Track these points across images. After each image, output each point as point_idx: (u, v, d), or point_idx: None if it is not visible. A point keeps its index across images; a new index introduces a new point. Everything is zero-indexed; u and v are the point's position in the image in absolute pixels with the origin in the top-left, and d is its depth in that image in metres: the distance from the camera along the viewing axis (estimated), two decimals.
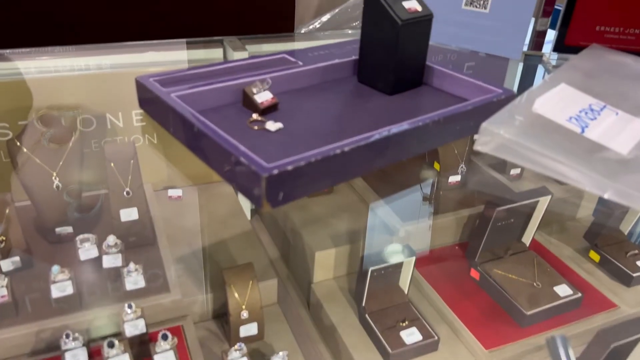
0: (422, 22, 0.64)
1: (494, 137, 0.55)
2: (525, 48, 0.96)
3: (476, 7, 0.86)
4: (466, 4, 0.86)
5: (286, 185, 0.46)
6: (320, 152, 0.47)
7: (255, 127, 0.57)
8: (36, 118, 0.76)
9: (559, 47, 0.84)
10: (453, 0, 0.86)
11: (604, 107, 0.63)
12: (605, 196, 0.50)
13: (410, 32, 0.63)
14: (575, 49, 0.80)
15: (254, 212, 1.04)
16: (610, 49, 0.81)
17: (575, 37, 0.82)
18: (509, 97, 0.63)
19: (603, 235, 0.91)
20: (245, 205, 0.96)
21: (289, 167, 0.45)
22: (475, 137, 0.56)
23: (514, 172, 0.99)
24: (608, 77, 0.73)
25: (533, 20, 0.97)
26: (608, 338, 0.65)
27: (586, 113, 0.61)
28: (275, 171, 0.44)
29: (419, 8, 0.65)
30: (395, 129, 0.54)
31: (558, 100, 0.63)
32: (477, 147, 0.56)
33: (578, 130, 0.57)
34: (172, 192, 0.96)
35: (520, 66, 0.90)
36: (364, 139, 0.50)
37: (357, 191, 0.96)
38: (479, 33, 0.87)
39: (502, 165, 0.98)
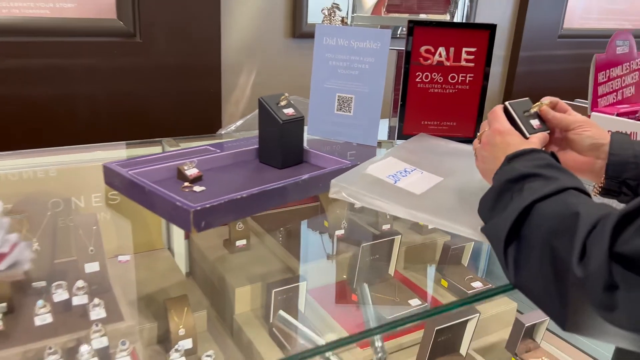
0: (297, 121, 0.99)
1: (340, 188, 0.88)
2: (385, 137, 1.34)
3: (344, 111, 1.23)
4: (337, 110, 1.23)
5: (206, 217, 0.76)
6: (228, 197, 0.78)
7: (186, 190, 0.87)
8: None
9: (399, 136, 1.22)
10: (328, 107, 1.24)
11: (414, 169, 0.98)
12: (403, 216, 0.83)
13: (289, 128, 0.98)
14: (410, 136, 1.18)
15: (187, 274, 1.30)
16: (431, 135, 1.19)
17: (408, 128, 1.20)
18: (353, 166, 0.97)
19: (449, 265, 1.24)
20: (180, 264, 1.22)
21: (207, 206, 0.75)
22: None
23: (385, 227, 1.32)
24: (425, 153, 1.09)
25: (388, 119, 1.36)
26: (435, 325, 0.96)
27: (401, 173, 0.95)
28: (199, 208, 0.74)
29: (295, 112, 1.00)
30: (279, 184, 0.85)
31: (384, 166, 0.97)
32: (330, 195, 0.88)
33: (392, 182, 0.91)
34: (121, 258, 1.20)
35: (379, 150, 1.26)
36: (257, 190, 0.82)
37: (268, 247, 1.25)
38: (348, 129, 1.23)
39: (374, 223, 1.31)
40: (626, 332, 0.45)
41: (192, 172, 0.91)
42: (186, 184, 0.89)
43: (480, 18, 2.27)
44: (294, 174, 0.95)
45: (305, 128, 1.06)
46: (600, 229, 0.47)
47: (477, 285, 1.19)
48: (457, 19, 2.04)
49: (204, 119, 1.67)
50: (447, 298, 1.19)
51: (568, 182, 0.61)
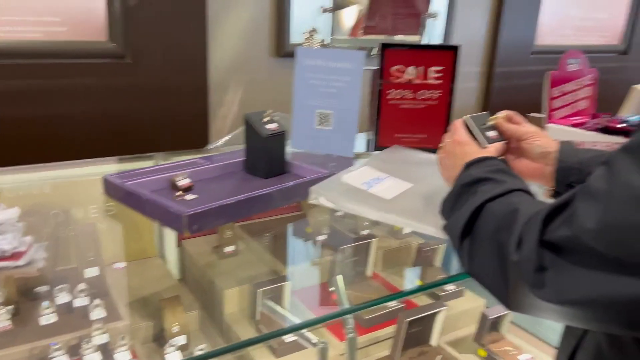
0: (280, 135, 1.09)
1: (319, 194, 0.97)
2: (363, 149, 1.43)
3: (324, 126, 1.33)
4: (317, 125, 1.33)
5: (198, 221, 0.84)
6: (217, 203, 0.87)
7: (179, 199, 0.96)
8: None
9: (375, 148, 1.32)
10: (309, 123, 1.33)
11: (387, 177, 1.08)
12: (375, 218, 0.92)
13: (272, 141, 1.07)
14: (385, 148, 1.29)
15: (179, 279, 1.38)
16: (404, 147, 1.30)
17: (383, 141, 1.31)
18: (331, 174, 1.07)
19: (423, 266, 1.34)
20: (173, 270, 1.30)
21: (199, 211, 0.84)
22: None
23: (363, 232, 1.42)
24: (397, 163, 1.19)
25: (365, 132, 1.46)
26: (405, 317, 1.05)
27: (375, 180, 1.05)
28: (191, 213, 0.83)
29: (278, 127, 1.09)
30: (265, 191, 0.95)
31: (360, 174, 1.07)
32: (310, 200, 0.98)
33: (366, 188, 1.01)
34: (117, 265, 1.28)
35: (357, 161, 1.36)
36: (244, 196, 0.91)
37: (255, 253, 1.34)
38: (327, 142, 1.33)
39: (354, 229, 1.41)
40: (554, 306, 0.54)
41: (184, 182, 1.00)
42: (179, 193, 0.98)
43: (457, 36, 2.40)
44: (277, 182, 1.04)
45: (289, 142, 1.16)
46: (534, 221, 0.57)
47: (449, 284, 1.29)
48: (435, 37, 2.17)
49: (192, 135, 1.76)
50: (422, 299, 1.28)
51: (514, 185, 0.71)
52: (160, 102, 1.68)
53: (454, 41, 2.39)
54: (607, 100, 1.89)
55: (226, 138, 1.47)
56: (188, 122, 1.74)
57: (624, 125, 1.09)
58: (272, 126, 1.08)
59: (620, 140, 1.08)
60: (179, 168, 1.07)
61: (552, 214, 0.54)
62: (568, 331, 0.72)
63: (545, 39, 2.70)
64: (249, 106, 1.90)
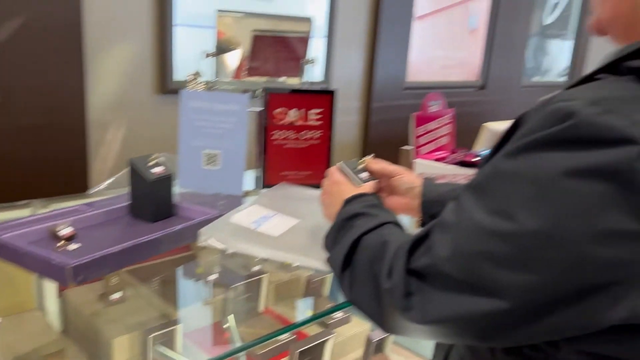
0: (166, 178, 1.10)
1: (208, 236, 0.99)
2: (251, 187, 1.48)
3: (211, 166, 1.36)
4: (205, 165, 1.36)
5: (83, 272, 0.83)
6: (102, 252, 0.86)
7: (61, 249, 0.93)
8: None
9: (263, 186, 1.37)
10: (196, 163, 1.35)
11: (275, 214, 1.13)
12: (264, 256, 0.96)
13: (158, 185, 1.08)
14: (272, 185, 1.34)
15: (62, 332, 1.30)
16: (290, 184, 1.36)
17: (270, 179, 1.36)
18: (221, 215, 1.09)
19: (312, 297, 1.40)
20: (54, 323, 1.23)
21: (83, 261, 0.82)
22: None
23: (255, 268, 1.45)
24: (284, 200, 1.25)
25: (253, 170, 1.51)
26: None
27: (263, 218, 1.10)
28: (75, 264, 0.81)
29: (164, 170, 1.10)
30: (151, 237, 0.95)
31: (248, 213, 1.11)
32: (200, 243, 1.00)
33: (255, 227, 1.05)
34: None
35: (246, 199, 1.40)
36: (130, 243, 0.90)
37: (144, 298, 1.31)
38: (216, 181, 1.36)
39: (245, 266, 1.44)
40: (421, 326, 0.61)
41: (65, 231, 0.96)
42: (61, 243, 0.94)
43: (336, 75, 2.56)
44: (165, 226, 1.05)
45: (177, 182, 1.17)
46: (401, 252, 0.65)
47: (336, 312, 1.36)
48: (316, 77, 2.29)
49: (71, 178, 1.69)
50: (313, 329, 1.33)
51: (386, 218, 0.79)
52: (34, 143, 1.60)
53: (334, 79, 2.55)
54: (471, 131, 2.13)
55: (109, 181, 1.44)
56: (66, 164, 1.67)
57: (478, 158, 1.25)
58: (157, 170, 1.09)
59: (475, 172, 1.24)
60: (59, 216, 1.04)
61: (415, 245, 0.62)
62: (437, 346, 0.81)
63: (415, 76, 2.97)
64: (132, 144, 1.87)
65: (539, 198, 0.49)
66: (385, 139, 2.82)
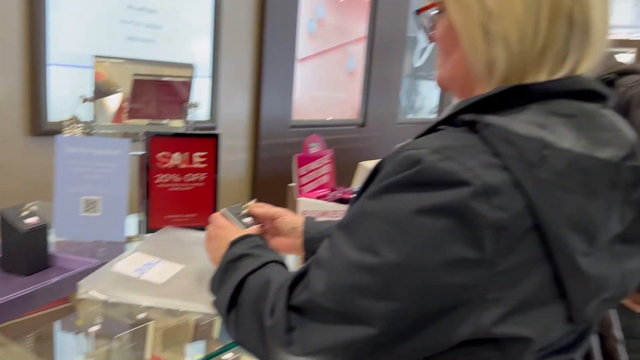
0: (40, 229, 1.05)
1: (88, 287, 0.96)
2: (134, 232, 1.44)
3: (91, 213, 1.31)
4: (83, 212, 1.31)
5: None
6: None
7: None
8: None
9: (147, 230, 1.35)
10: (74, 210, 1.30)
11: (159, 261, 1.12)
12: (148, 304, 0.95)
13: (31, 237, 1.03)
14: (156, 229, 1.33)
15: None
16: (176, 227, 1.36)
17: (154, 222, 1.35)
18: (101, 264, 1.07)
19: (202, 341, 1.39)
20: None
21: None
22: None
23: (140, 316, 1.41)
24: (169, 244, 1.25)
25: (137, 214, 1.48)
26: None
27: (146, 266, 1.09)
28: None
29: (39, 220, 1.05)
30: (24, 292, 0.90)
31: (131, 261, 1.09)
32: (80, 296, 0.96)
33: (138, 275, 1.04)
34: None
35: (129, 245, 1.36)
36: (3, 300, 0.85)
37: (17, 357, 1.21)
38: (96, 228, 1.31)
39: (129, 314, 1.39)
40: (304, 358, 0.65)
41: None
42: None
43: (222, 114, 2.59)
44: (40, 279, 1.00)
45: (53, 231, 1.11)
46: (282, 289, 0.68)
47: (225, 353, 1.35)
48: (202, 116, 2.30)
49: None
50: None
51: (269, 258, 0.83)
52: None
53: (220, 118, 2.58)
54: (353, 166, 2.25)
55: None
56: None
57: (354, 196, 1.35)
58: (31, 220, 1.04)
59: None
60: None
61: (295, 282, 0.66)
62: None
63: (301, 114, 3.09)
64: (1, 190, 1.74)
65: (397, 234, 0.57)
66: (274, 175, 2.89)
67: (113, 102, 1.50)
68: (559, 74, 0.61)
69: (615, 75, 1.08)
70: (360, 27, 3.32)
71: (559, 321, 0.59)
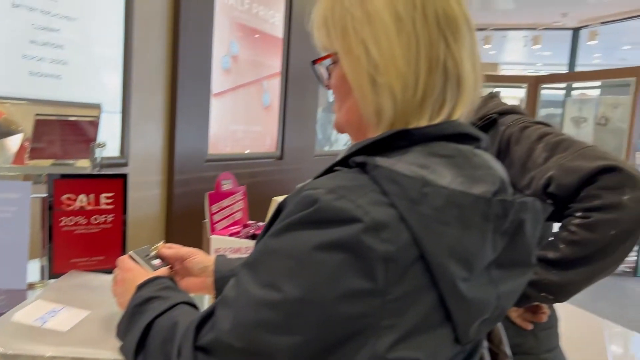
0: None
1: None
2: (37, 278, 1.37)
3: None
4: None
5: None
6: None
7: None
8: None
9: (50, 276, 1.29)
10: None
11: (63, 308, 1.08)
12: (52, 354, 0.91)
13: None
14: (61, 274, 1.27)
15: None
16: (82, 271, 1.31)
17: (59, 267, 1.29)
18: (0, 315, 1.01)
19: None
20: None
21: None
22: None
23: None
24: (75, 290, 1.20)
25: (39, 259, 1.41)
26: None
27: (49, 314, 1.04)
28: None
29: None
30: None
31: (32, 310, 1.04)
32: None
33: (40, 324, 0.99)
34: None
35: (30, 292, 1.29)
36: None
37: None
38: None
39: None
40: None
41: None
42: None
43: (134, 149, 2.53)
44: None
45: None
46: (189, 331, 0.69)
47: None
48: (113, 152, 2.24)
49: None
50: None
51: (178, 299, 0.83)
52: None
53: (131, 154, 2.51)
54: (271, 200, 2.28)
55: None
56: None
57: (261, 233, 1.37)
58: None
59: None
60: None
61: (203, 322, 0.68)
62: None
63: (217, 148, 3.08)
64: None
65: (297, 270, 0.60)
66: (190, 210, 2.84)
67: (14, 142, 1.44)
68: (438, 119, 0.69)
69: (497, 115, 1.20)
70: (274, 63, 3.41)
71: (447, 343, 0.64)
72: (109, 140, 1.91)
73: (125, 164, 2.39)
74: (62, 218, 1.27)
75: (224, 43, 2.94)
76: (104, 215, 1.31)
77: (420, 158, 0.64)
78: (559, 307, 1.29)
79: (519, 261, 0.70)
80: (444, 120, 0.69)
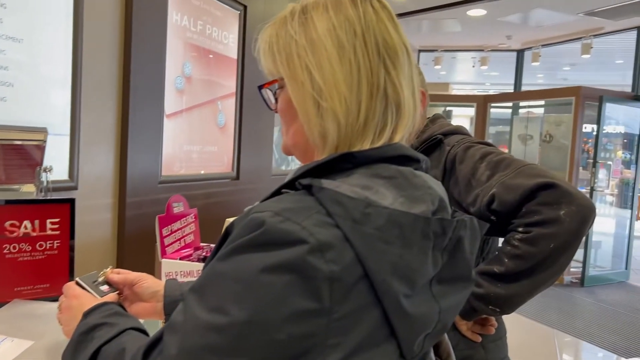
0: None
1: None
2: None
3: None
4: None
5: None
6: None
7: None
8: None
9: None
10: None
11: (5, 338, 1.04)
12: None
13: None
14: (3, 304, 1.22)
15: None
16: (26, 300, 1.26)
17: (1, 296, 1.24)
18: None
19: None
20: None
21: None
22: None
23: None
24: (18, 319, 1.15)
25: None
26: None
27: None
28: None
29: None
30: None
31: None
32: None
33: None
34: None
35: None
36: None
37: None
38: None
39: None
40: None
41: None
42: None
43: (83, 172, 2.46)
44: None
45: None
46: (138, 356, 0.68)
47: None
48: (61, 175, 2.17)
49: None
50: None
51: (127, 325, 0.81)
52: None
53: (81, 176, 2.45)
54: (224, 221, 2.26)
55: None
56: None
57: (209, 257, 1.36)
58: None
59: None
60: None
61: (150, 348, 0.67)
62: None
63: (171, 169, 3.04)
64: None
65: (244, 293, 0.60)
66: (143, 233, 2.78)
67: None
68: (380, 142, 0.71)
69: (441, 136, 1.24)
70: (229, 83, 3.41)
71: (393, 358, 0.66)
72: (57, 163, 1.86)
73: (74, 188, 2.32)
74: (5, 245, 1.22)
75: (177, 63, 2.92)
76: (49, 241, 1.27)
77: (364, 180, 0.66)
78: (510, 318, 1.33)
79: (459, 276, 0.72)
80: (385, 143, 0.71)
